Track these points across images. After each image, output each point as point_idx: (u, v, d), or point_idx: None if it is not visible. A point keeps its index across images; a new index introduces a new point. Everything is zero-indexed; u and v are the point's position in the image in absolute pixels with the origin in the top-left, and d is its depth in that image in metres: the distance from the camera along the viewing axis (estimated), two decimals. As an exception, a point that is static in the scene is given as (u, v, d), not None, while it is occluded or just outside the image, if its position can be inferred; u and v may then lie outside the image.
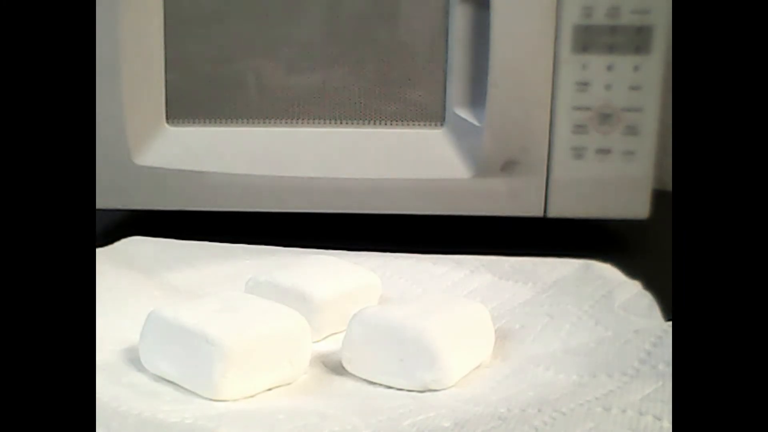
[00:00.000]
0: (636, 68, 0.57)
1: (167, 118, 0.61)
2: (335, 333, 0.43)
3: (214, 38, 0.60)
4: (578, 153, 0.58)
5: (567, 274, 0.49)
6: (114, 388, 0.36)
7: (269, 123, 0.61)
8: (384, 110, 0.60)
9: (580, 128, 0.58)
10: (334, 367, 0.40)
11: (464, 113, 0.59)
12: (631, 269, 0.49)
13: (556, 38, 0.57)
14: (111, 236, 0.55)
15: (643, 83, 0.57)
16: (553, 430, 0.31)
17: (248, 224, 0.63)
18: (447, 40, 0.59)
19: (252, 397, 0.36)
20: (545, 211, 0.59)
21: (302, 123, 0.61)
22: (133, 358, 0.39)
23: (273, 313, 0.38)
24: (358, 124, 0.60)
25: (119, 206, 0.61)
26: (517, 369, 0.39)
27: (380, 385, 0.38)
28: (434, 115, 0.60)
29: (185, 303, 0.39)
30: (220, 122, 0.61)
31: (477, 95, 0.59)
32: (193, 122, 0.61)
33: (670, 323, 0.38)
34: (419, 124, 0.60)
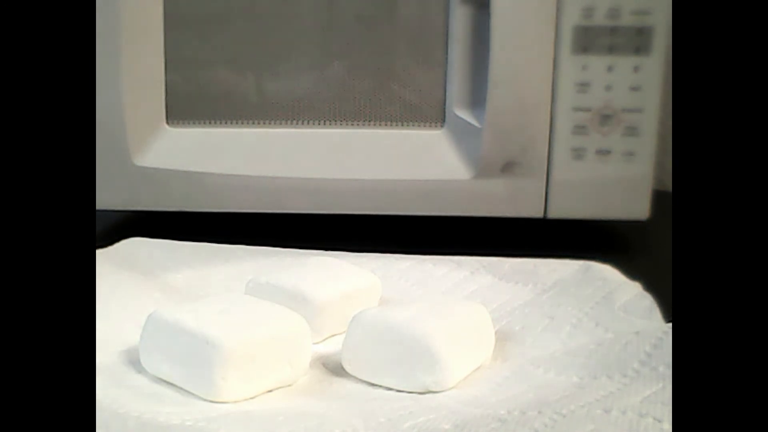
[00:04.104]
0: (636, 69, 0.57)
1: (167, 119, 0.61)
2: (335, 334, 0.43)
3: (213, 39, 0.60)
4: (578, 154, 0.58)
5: (567, 275, 0.49)
6: (114, 390, 0.35)
7: (269, 124, 0.61)
8: (384, 111, 0.60)
9: (580, 129, 0.58)
10: (335, 369, 0.40)
11: (464, 114, 0.59)
12: (631, 270, 0.49)
13: (556, 39, 0.57)
14: (111, 237, 0.55)
15: (643, 84, 0.57)
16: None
17: (248, 225, 0.63)
18: (447, 41, 0.59)
19: (252, 398, 0.36)
20: (545, 212, 0.59)
21: (302, 124, 0.61)
22: (134, 360, 0.39)
23: (273, 314, 0.38)
24: (357, 124, 0.60)
25: (119, 207, 0.61)
26: (517, 370, 0.39)
27: (380, 386, 0.38)
28: (434, 115, 0.60)
29: (185, 305, 0.39)
30: (220, 123, 0.61)
31: (477, 96, 0.59)
32: (193, 123, 0.61)
33: (671, 325, 0.38)
34: (419, 125, 0.60)
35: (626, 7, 0.56)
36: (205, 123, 0.61)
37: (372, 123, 0.60)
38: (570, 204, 0.59)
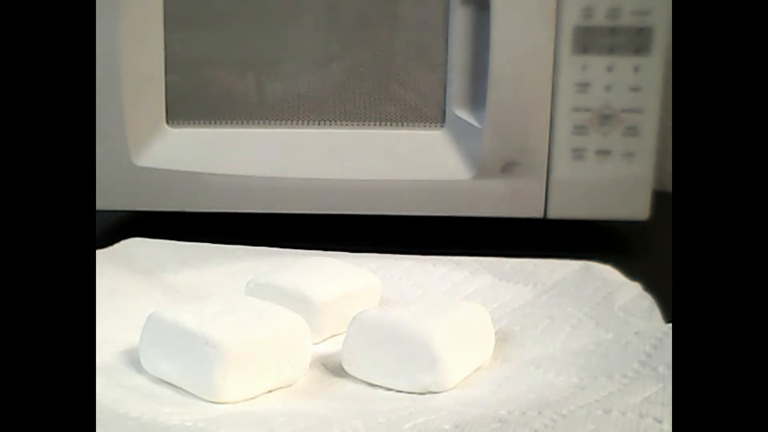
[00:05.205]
0: (636, 69, 0.57)
1: (167, 119, 0.61)
2: (335, 335, 0.43)
3: (214, 39, 0.60)
4: (578, 154, 0.58)
5: (567, 275, 0.49)
6: (114, 391, 0.35)
7: (269, 124, 0.61)
8: (384, 111, 0.60)
9: (580, 129, 0.58)
10: (334, 369, 0.40)
11: (464, 114, 0.59)
12: (631, 271, 0.49)
13: (557, 39, 0.57)
14: (111, 237, 0.55)
15: (643, 84, 0.57)
16: (554, 432, 0.31)
17: (248, 226, 0.63)
18: (447, 41, 0.59)
19: (252, 399, 0.36)
20: (545, 212, 0.59)
21: (302, 124, 0.61)
22: (133, 360, 0.39)
23: (273, 315, 0.38)
24: (358, 125, 0.60)
25: (119, 207, 0.61)
26: (517, 371, 0.39)
27: (380, 387, 0.38)
28: (434, 116, 0.60)
29: (185, 305, 0.39)
30: (220, 123, 0.61)
31: (477, 96, 0.59)
32: (193, 123, 0.61)
33: (671, 325, 0.38)
34: (419, 125, 0.60)
35: (626, 7, 0.56)
36: (205, 123, 0.61)
37: (372, 123, 0.60)
38: (570, 204, 0.59)
